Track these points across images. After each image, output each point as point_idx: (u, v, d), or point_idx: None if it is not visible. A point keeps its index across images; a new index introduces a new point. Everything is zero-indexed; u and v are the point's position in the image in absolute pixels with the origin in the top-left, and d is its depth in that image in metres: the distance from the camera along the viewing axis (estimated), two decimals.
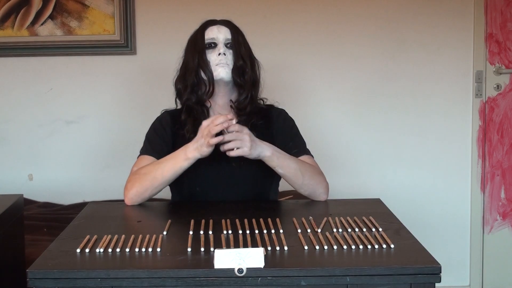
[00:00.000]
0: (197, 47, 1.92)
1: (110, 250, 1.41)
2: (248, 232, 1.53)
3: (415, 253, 1.38)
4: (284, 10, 2.96)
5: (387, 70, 3.00)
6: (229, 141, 1.72)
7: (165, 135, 1.95)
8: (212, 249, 1.39)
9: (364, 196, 2.11)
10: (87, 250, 1.40)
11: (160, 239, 1.47)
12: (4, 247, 1.93)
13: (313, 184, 1.86)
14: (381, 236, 1.48)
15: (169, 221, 1.62)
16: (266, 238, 1.47)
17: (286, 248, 1.40)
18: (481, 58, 2.99)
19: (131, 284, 1.28)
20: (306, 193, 1.88)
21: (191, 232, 1.52)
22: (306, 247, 1.41)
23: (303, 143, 1.99)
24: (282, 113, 2.03)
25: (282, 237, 1.48)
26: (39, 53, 2.95)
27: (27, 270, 1.29)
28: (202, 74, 1.91)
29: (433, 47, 2.98)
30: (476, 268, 3.07)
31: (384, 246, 1.41)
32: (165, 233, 1.53)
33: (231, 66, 1.90)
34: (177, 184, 1.89)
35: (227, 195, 1.90)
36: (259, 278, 1.28)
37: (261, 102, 2.01)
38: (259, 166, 1.84)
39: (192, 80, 1.92)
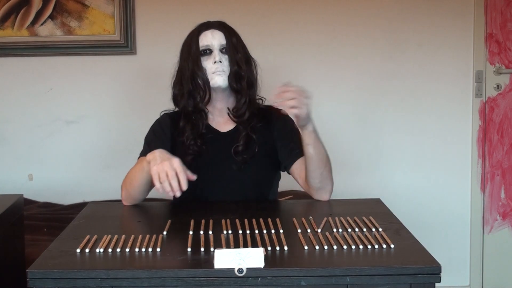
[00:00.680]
0: (191, 54, 1.90)
1: (110, 250, 1.41)
2: (248, 232, 1.53)
3: (415, 253, 1.38)
4: (283, 10, 2.96)
5: (387, 70, 2.99)
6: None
7: (164, 138, 1.94)
8: (212, 249, 1.39)
9: (364, 196, 2.10)
10: (87, 250, 1.40)
11: (160, 239, 1.47)
12: (4, 247, 1.93)
13: (328, 179, 1.84)
14: (381, 236, 1.48)
15: (169, 221, 1.62)
16: (266, 238, 1.47)
17: (286, 248, 1.40)
18: (481, 58, 2.99)
19: (131, 284, 1.28)
20: (317, 185, 1.84)
21: (191, 232, 1.52)
22: (306, 247, 1.41)
23: None
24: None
25: (282, 237, 1.48)
26: (39, 53, 2.95)
27: (27, 270, 1.29)
28: (199, 81, 1.90)
29: (433, 47, 2.98)
30: (476, 268, 3.07)
31: (384, 246, 1.41)
32: (165, 233, 1.53)
33: (227, 73, 1.89)
34: None
35: (228, 197, 1.90)
36: (259, 278, 1.28)
37: (260, 101, 2.01)
38: (259, 169, 1.83)
39: (188, 87, 1.91)
